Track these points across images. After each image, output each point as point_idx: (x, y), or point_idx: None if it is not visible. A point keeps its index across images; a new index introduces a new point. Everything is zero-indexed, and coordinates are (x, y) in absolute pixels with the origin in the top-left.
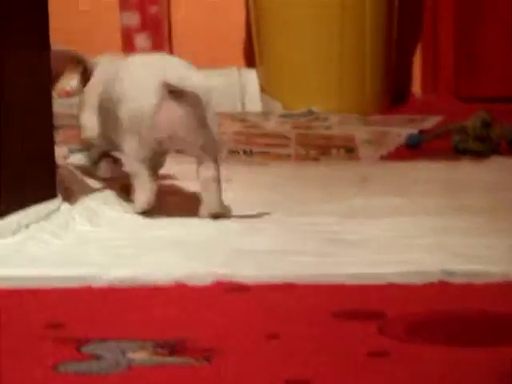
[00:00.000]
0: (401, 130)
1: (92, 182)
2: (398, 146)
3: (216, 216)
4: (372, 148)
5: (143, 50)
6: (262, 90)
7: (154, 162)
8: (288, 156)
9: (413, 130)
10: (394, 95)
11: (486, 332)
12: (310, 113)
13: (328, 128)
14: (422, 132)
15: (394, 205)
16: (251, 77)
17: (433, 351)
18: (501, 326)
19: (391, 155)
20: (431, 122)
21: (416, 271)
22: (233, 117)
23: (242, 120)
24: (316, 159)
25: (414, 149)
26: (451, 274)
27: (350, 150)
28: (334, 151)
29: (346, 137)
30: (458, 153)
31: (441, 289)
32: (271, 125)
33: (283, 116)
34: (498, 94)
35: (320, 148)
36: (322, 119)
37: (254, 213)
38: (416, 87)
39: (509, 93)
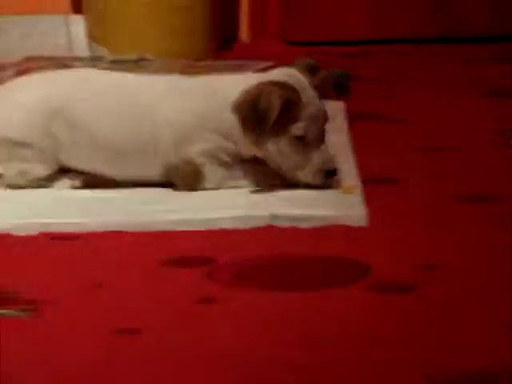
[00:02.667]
0: None
1: None
2: None
3: None
4: None
5: None
6: (90, 36)
7: None
8: None
9: None
10: (222, 41)
11: (312, 276)
12: (141, 59)
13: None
14: None
15: None
16: (78, 23)
17: (258, 296)
18: (326, 269)
19: None
20: (259, 67)
21: (244, 216)
22: (58, 63)
23: (67, 66)
24: None
25: None
26: (278, 218)
27: None
28: None
29: None
30: None
31: (269, 233)
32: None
33: (113, 62)
34: (325, 37)
35: None
36: (148, 65)
37: None
38: (243, 32)
39: (335, 36)
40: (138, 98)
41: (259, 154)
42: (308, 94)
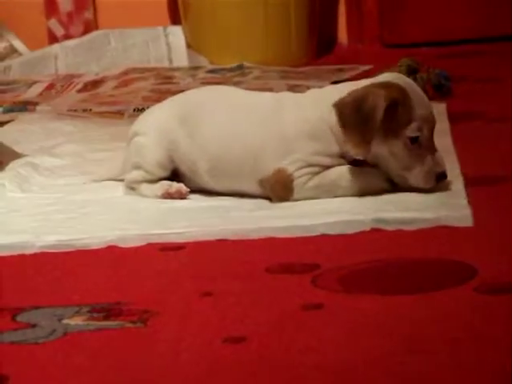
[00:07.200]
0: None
1: (20, 149)
2: None
3: None
4: None
5: (67, 13)
6: (189, 46)
7: None
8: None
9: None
10: (320, 45)
11: (419, 279)
12: (239, 67)
13: (246, 82)
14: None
15: None
16: (177, 34)
17: (367, 301)
18: (433, 271)
19: None
20: (359, 71)
21: (348, 220)
22: (158, 74)
23: (167, 77)
24: None
25: None
26: (383, 221)
27: None
28: None
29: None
30: None
31: (373, 237)
32: (188, 81)
33: (211, 71)
34: (422, 39)
35: None
36: (247, 73)
37: None
38: (342, 36)
39: (433, 37)
40: (252, 108)
41: (363, 156)
42: (418, 95)
